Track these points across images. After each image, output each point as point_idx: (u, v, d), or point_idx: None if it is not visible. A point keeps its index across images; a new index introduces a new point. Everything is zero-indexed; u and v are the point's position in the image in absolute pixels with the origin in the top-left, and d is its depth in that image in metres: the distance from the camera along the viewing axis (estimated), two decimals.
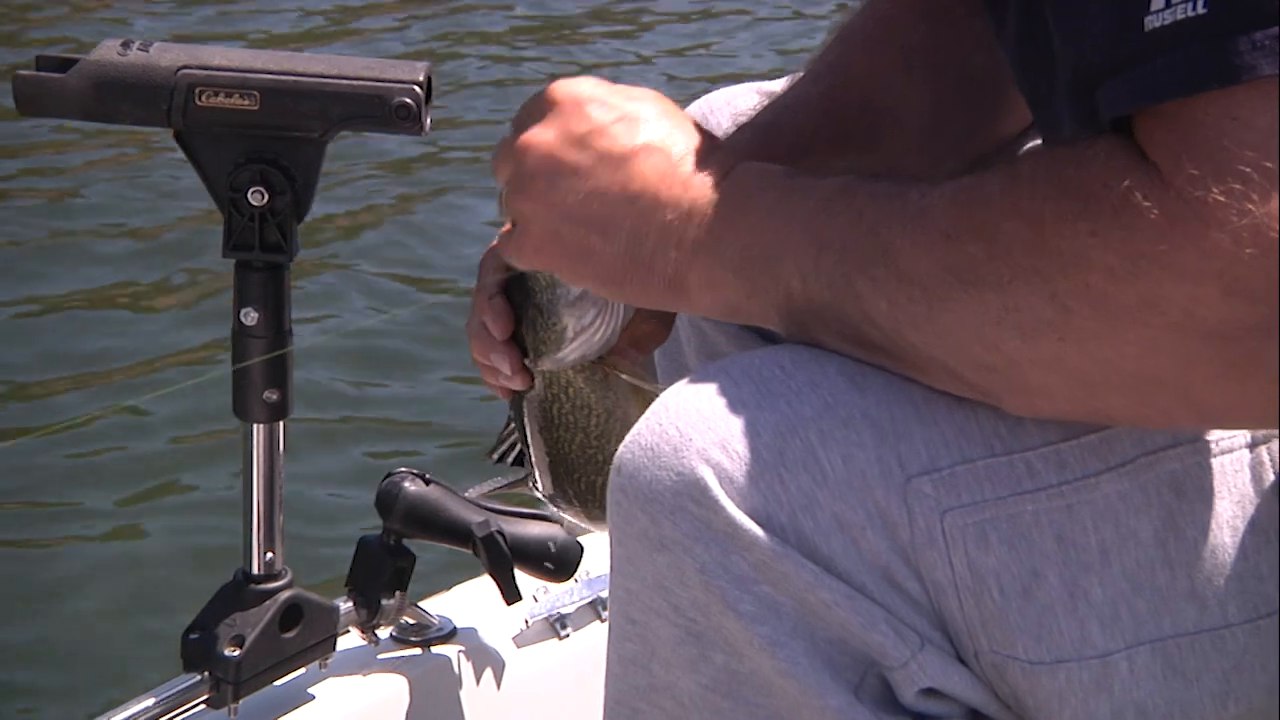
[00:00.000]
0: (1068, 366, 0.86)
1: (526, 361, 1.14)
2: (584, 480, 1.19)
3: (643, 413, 1.03)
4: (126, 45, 1.30)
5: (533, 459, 1.21)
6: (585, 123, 0.99)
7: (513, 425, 1.23)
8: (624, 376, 1.13)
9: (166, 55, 1.29)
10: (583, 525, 1.24)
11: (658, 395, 0.97)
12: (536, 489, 1.23)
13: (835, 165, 1.08)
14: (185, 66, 1.29)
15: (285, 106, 1.30)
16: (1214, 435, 0.95)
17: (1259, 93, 0.80)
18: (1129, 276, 0.82)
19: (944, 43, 1.19)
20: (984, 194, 0.87)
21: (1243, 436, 0.96)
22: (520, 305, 1.13)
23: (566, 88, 1.01)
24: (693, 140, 1.00)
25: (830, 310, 0.92)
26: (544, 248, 1.01)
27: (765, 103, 1.30)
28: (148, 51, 1.29)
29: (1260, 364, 0.82)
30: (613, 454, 0.99)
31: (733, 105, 1.32)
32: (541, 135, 1.00)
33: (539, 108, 1.02)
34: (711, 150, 1.00)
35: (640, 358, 1.15)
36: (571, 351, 1.12)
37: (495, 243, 1.14)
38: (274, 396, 1.37)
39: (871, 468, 0.91)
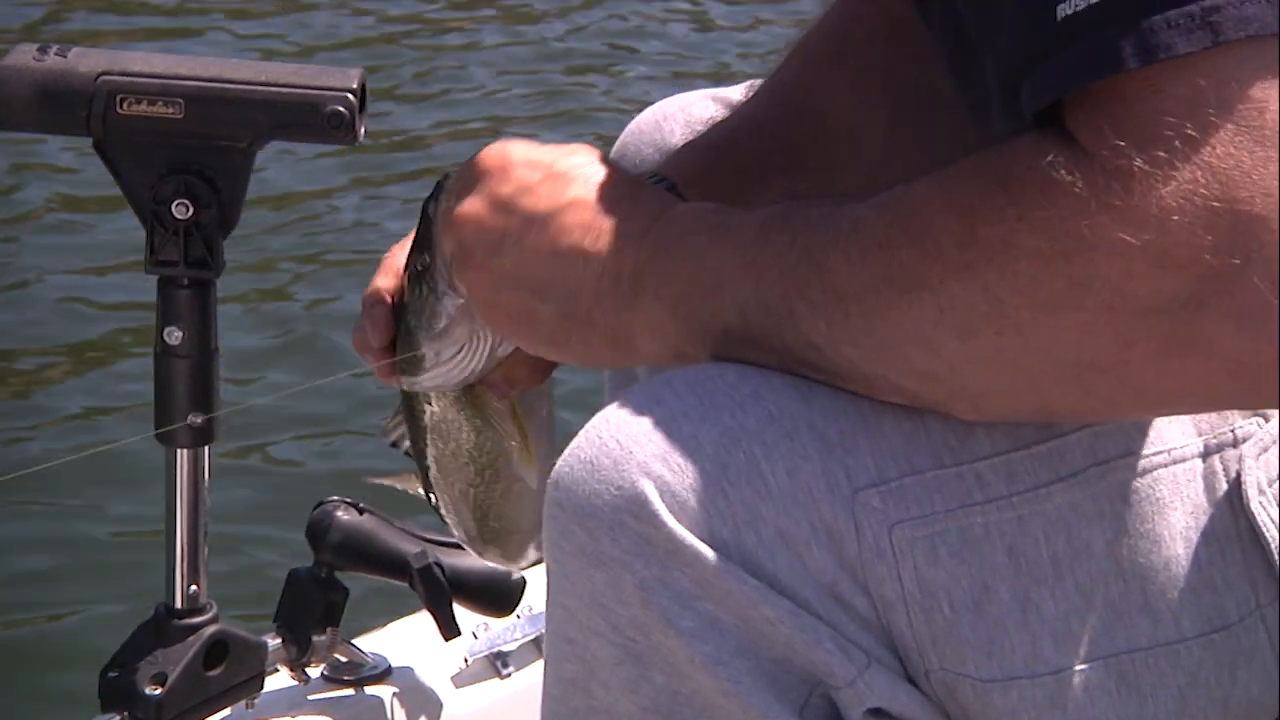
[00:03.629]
0: (1008, 361, 0.89)
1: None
2: (459, 489, 1.22)
3: (520, 444, 1.14)
4: (43, 50, 1.32)
5: (416, 453, 1.24)
6: (511, 185, 1.03)
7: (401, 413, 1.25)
8: (491, 406, 1.17)
9: (86, 60, 1.32)
10: (454, 530, 1.27)
11: (530, 426, 1.04)
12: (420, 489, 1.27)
13: (777, 187, 1.11)
14: (106, 73, 1.31)
15: (211, 115, 1.32)
16: (1166, 445, 0.98)
17: (1175, 67, 0.84)
18: (1058, 258, 0.86)
19: (905, 64, 1.23)
20: (913, 198, 0.91)
21: (1195, 446, 0.99)
22: (397, 318, 1.17)
23: (492, 152, 1.05)
24: (622, 190, 1.03)
25: (769, 338, 0.95)
26: (492, 317, 1.06)
27: (720, 111, 1.33)
28: (65, 57, 1.31)
29: (1195, 338, 0.85)
30: (486, 472, 1.10)
31: (687, 112, 1.35)
32: (472, 205, 1.04)
33: (469, 176, 1.05)
34: (642, 198, 1.03)
35: (510, 391, 1.17)
36: (426, 380, 1.16)
37: (397, 246, 1.17)
38: (199, 421, 1.38)
39: (817, 481, 0.94)
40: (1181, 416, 0.99)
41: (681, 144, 1.25)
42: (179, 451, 1.40)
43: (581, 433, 0.96)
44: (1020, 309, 0.87)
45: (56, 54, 1.32)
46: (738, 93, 1.35)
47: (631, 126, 1.37)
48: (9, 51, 1.32)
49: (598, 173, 1.03)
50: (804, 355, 0.95)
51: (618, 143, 1.37)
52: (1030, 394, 0.91)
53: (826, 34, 1.24)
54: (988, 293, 0.87)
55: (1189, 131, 0.84)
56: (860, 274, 0.91)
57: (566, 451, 0.96)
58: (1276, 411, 1.00)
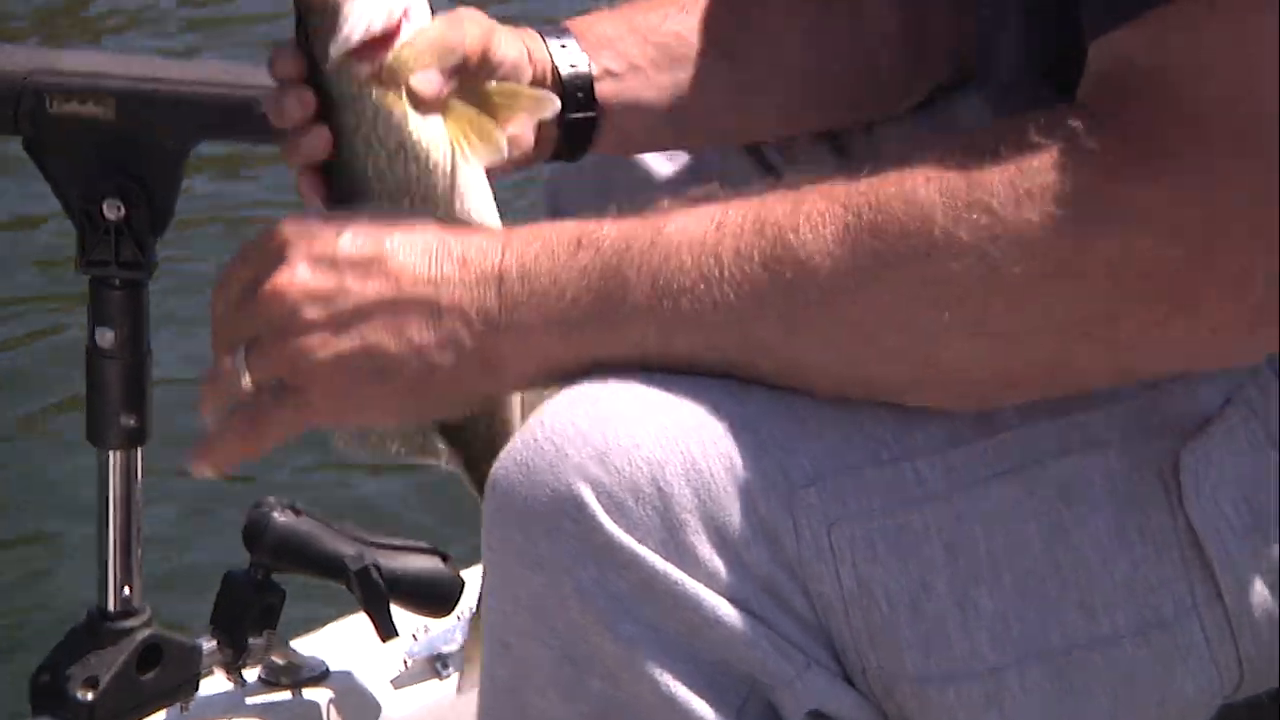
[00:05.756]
0: (990, 330, 0.90)
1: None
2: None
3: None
4: None
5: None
6: (325, 244, 0.96)
7: None
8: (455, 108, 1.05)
9: (15, 58, 1.30)
10: None
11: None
12: None
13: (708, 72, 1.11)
14: (35, 71, 1.30)
15: (142, 114, 1.31)
16: (1102, 439, 0.97)
17: (1230, 34, 0.86)
18: (1065, 223, 0.87)
19: None
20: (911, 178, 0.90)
21: (1133, 440, 0.98)
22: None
23: (287, 225, 0.98)
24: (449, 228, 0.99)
25: (710, 355, 0.94)
26: (333, 390, 0.96)
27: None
28: None
29: (1187, 305, 0.88)
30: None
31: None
32: (286, 275, 0.96)
33: (267, 253, 0.98)
34: (480, 231, 1.00)
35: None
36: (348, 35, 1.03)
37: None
38: (132, 422, 1.37)
39: (755, 480, 0.93)
40: (1117, 410, 0.98)
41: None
42: (111, 453, 1.39)
43: (517, 434, 0.94)
44: (1017, 274, 0.88)
45: None
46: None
47: None
48: None
49: (404, 217, 0.99)
50: (754, 365, 0.94)
51: None
52: (1008, 361, 0.91)
53: None
54: (985, 260, 0.88)
55: (1220, 121, 0.86)
56: (843, 264, 0.90)
57: (503, 454, 0.94)
58: (1213, 407, 1.00)
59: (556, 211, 1.31)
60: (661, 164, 1.31)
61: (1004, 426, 0.96)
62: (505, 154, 1.05)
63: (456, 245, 0.97)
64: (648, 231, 0.95)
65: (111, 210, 1.32)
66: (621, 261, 0.94)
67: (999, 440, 0.96)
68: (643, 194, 1.00)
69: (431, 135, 1.05)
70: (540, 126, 1.14)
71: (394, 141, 1.04)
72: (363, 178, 1.05)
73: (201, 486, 2.83)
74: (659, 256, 0.94)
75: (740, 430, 0.93)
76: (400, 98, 1.04)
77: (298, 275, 0.96)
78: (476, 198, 1.07)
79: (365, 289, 0.96)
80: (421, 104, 1.03)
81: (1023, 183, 0.88)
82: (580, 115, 1.19)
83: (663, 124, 1.23)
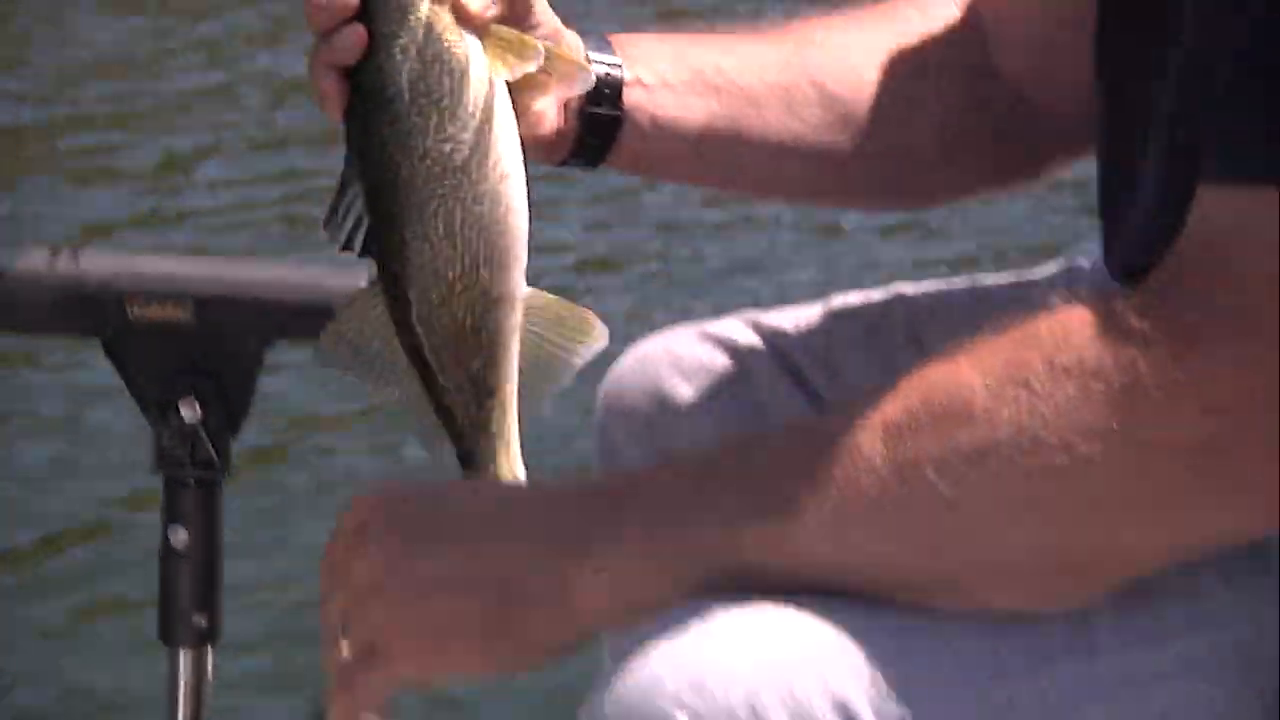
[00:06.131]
0: (1033, 507, 0.90)
1: None
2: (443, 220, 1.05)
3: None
4: (55, 252, 1.32)
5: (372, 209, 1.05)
6: (397, 513, 1.01)
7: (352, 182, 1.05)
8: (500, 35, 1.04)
9: (97, 264, 1.31)
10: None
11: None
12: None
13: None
14: (116, 275, 1.31)
15: (221, 318, 1.31)
16: (1205, 668, 0.97)
17: None
18: (1105, 397, 0.88)
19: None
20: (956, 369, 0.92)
21: (1238, 676, 0.98)
22: None
23: (364, 499, 1.03)
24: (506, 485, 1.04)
25: (776, 558, 0.94)
26: (412, 648, 1.00)
27: (706, 348, 1.29)
28: (77, 260, 1.31)
29: (1228, 476, 0.88)
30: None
31: (670, 352, 1.29)
32: (363, 549, 1.00)
33: (346, 531, 1.03)
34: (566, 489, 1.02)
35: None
36: None
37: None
38: (203, 621, 1.36)
39: (853, 705, 0.91)
40: (1220, 640, 0.97)
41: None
42: (181, 651, 1.38)
43: (615, 667, 0.94)
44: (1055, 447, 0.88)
45: (68, 257, 1.31)
46: (723, 328, 1.30)
47: (611, 377, 1.31)
48: (21, 253, 1.31)
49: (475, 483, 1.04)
50: (812, 557, 0.94)
51: (601, 398, 1.31)
52: (1055, 546, 0.91)
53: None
54: (1025, 433, 0.89)
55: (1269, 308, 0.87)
56: (890, 450, 0.91)
57: (599, 690, 0.94)
58: None
59: (611, 456, 1.30)
60: (709, 412, 1.28)
61: (1100, 650, 0.96)
62: (542, 58, 1.04)
63: (525, 496, 1.02)
64: (706, 449, 0.98)
65: (188, 411, 1.33)
66: (683, 478, 0.97)
67: (1095, 663, 0.95)
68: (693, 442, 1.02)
69: (471, 51, 1.04)
70: (563, 118, 1.15)
71: (432, 52, 1.04)
72: (395, 82, 1.03)
73: (267, 683, 2.83)
74: (717, 467, 0.96)
75: (836, 652, 0.93)
76: (445, 8, 1.03)
77: (372, 550, 1.00)
78: (504, 125, 1.05)
79: (435, 549, 0.99)
80: (465, 18, 1.03)
81: (1061, 359, 0.89)
82: (604, 111, 1.18)
83: (688, 150, 1.22)
